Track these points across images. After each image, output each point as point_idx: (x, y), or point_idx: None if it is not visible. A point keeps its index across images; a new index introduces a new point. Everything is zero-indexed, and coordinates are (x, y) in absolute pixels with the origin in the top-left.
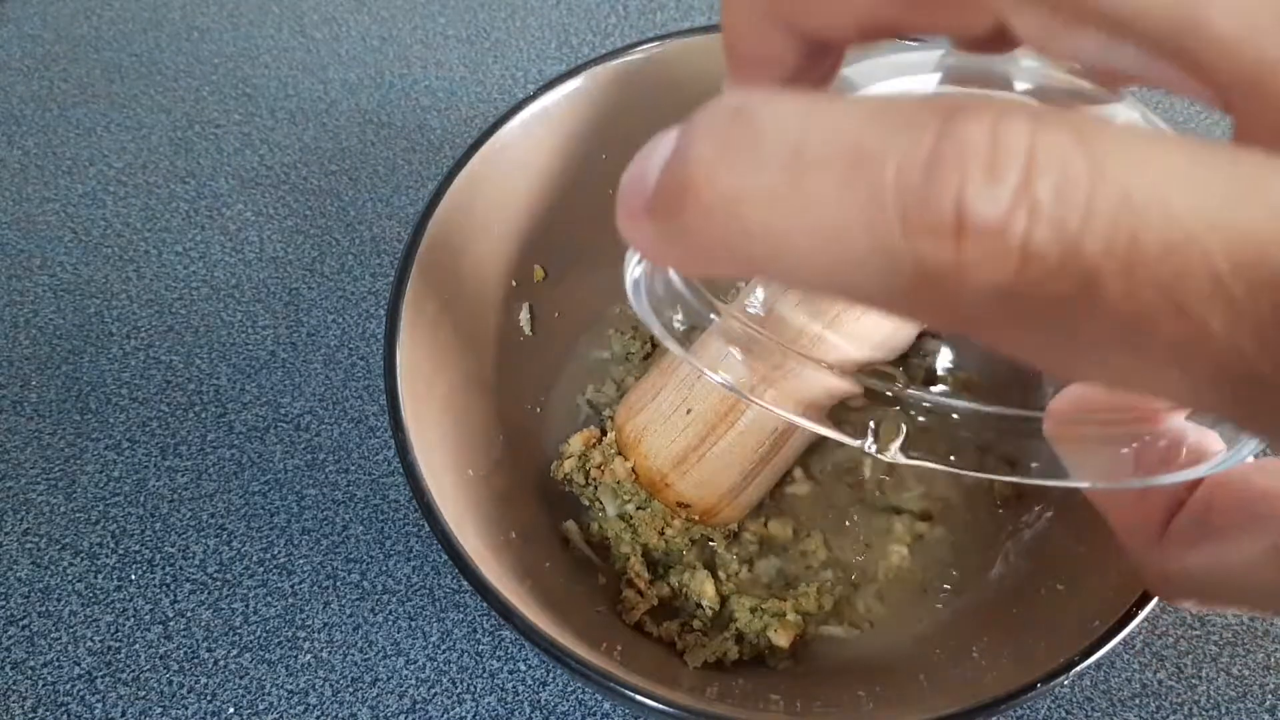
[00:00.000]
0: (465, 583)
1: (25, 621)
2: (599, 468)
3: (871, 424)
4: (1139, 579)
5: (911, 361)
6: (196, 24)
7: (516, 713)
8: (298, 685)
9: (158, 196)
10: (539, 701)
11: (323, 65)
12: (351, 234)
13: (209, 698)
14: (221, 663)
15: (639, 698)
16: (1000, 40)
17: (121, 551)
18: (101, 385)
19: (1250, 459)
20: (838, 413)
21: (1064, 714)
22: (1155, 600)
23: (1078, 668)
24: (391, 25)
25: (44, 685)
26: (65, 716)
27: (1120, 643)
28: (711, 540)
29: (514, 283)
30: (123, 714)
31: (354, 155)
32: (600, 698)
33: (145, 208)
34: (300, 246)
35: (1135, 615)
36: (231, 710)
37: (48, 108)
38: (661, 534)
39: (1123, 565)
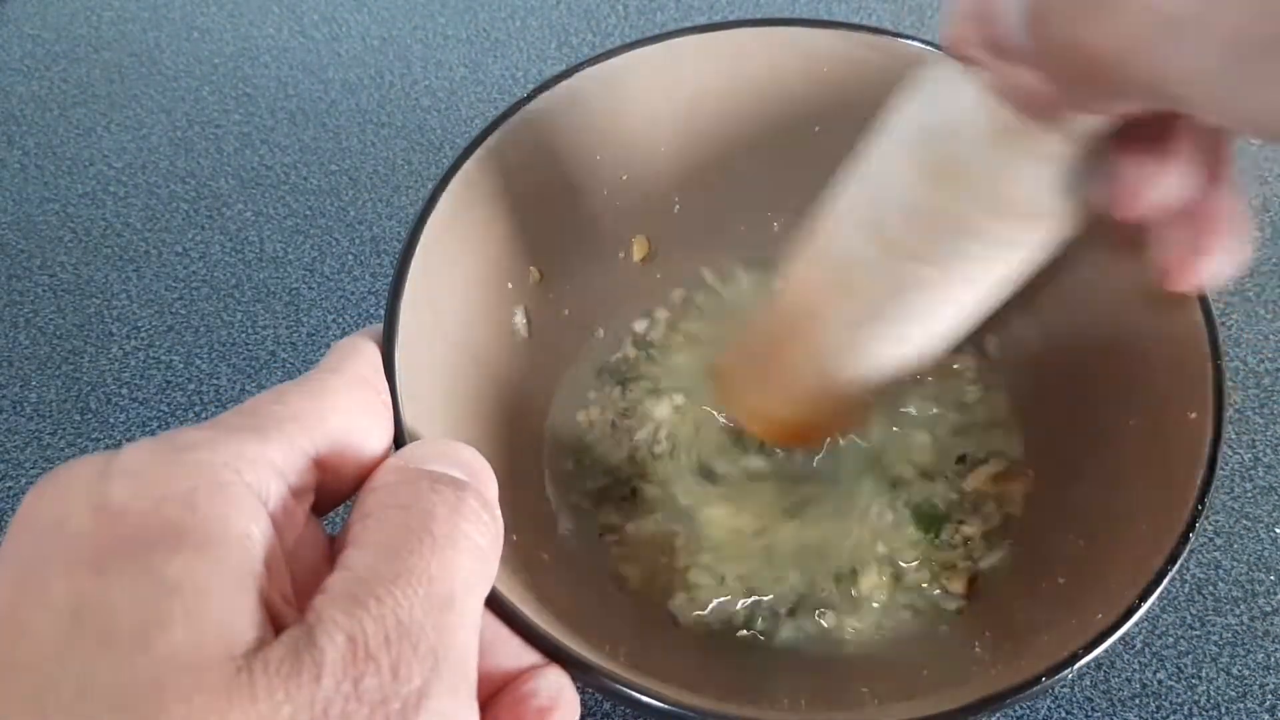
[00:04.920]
0: None
1: None
2: None
3: None
4: (1143, 568)
5: None
6: (196, 24)
7: None
8: None
9: (158, 196)
10: None
11: (323, 65)
12: (351, 234)
13: None
14: None
15: (643, 698)
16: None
17: None
18: (101, 385)
19: None
20: None
21: (1064, 714)
22: (1158, 593)
23: (1083, 660)
24: (391, 25)
25: None
26: None
27: (1124, 636)
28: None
29: (509, 284)
30: None
31: (354, 155)
32: (600, 697)
33: (145, 208)
34: (300, 246)
35: (1139, 607)
36: None
37: (48, 108)
38: None
39: (1124, 558)
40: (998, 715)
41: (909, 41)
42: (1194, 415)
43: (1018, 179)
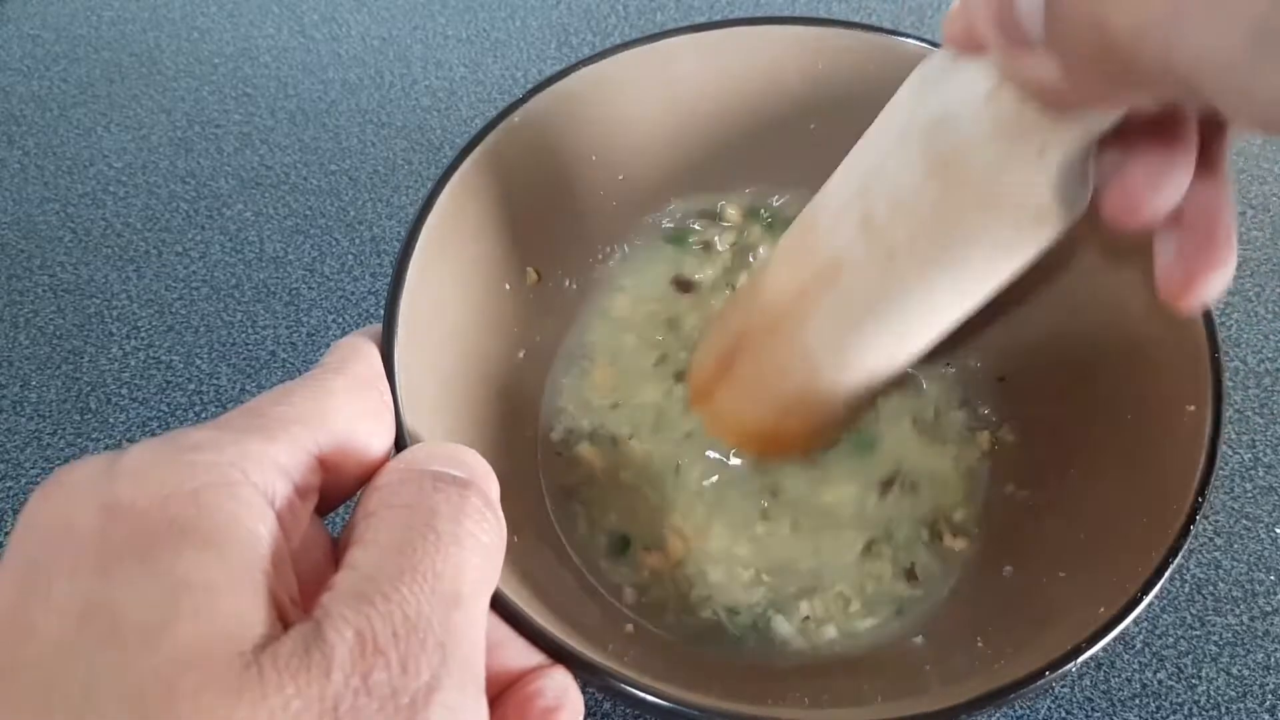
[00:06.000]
0: None
1: None
2: None
3: None
4: (1144, 562)
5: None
6: (196, 24)
7: None
8: None
9: (158, 196)
10: None
11: (323, 65)
12: (351, 234)
13: None
14: None
15: (646, 696)
16: None
17: None
18: (101, 385)
19: None
20: None
21: (1064, 714)
22: (1159, 586)
23: (1086, 654)
24: (391, 25)
25: None
26: None
27: (1125, 632)
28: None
29: (507, 285)
30: None
31: (354, 155)
32: (601, 696)
33: (145, 208)
34: (300, 246)
35: (1141, 600)
36: None
37: (48, 108)
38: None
39: (1125, 552)
40: (997, 715)
41: (905, 39)
42: (1193, 409)
43: (1019, 177)
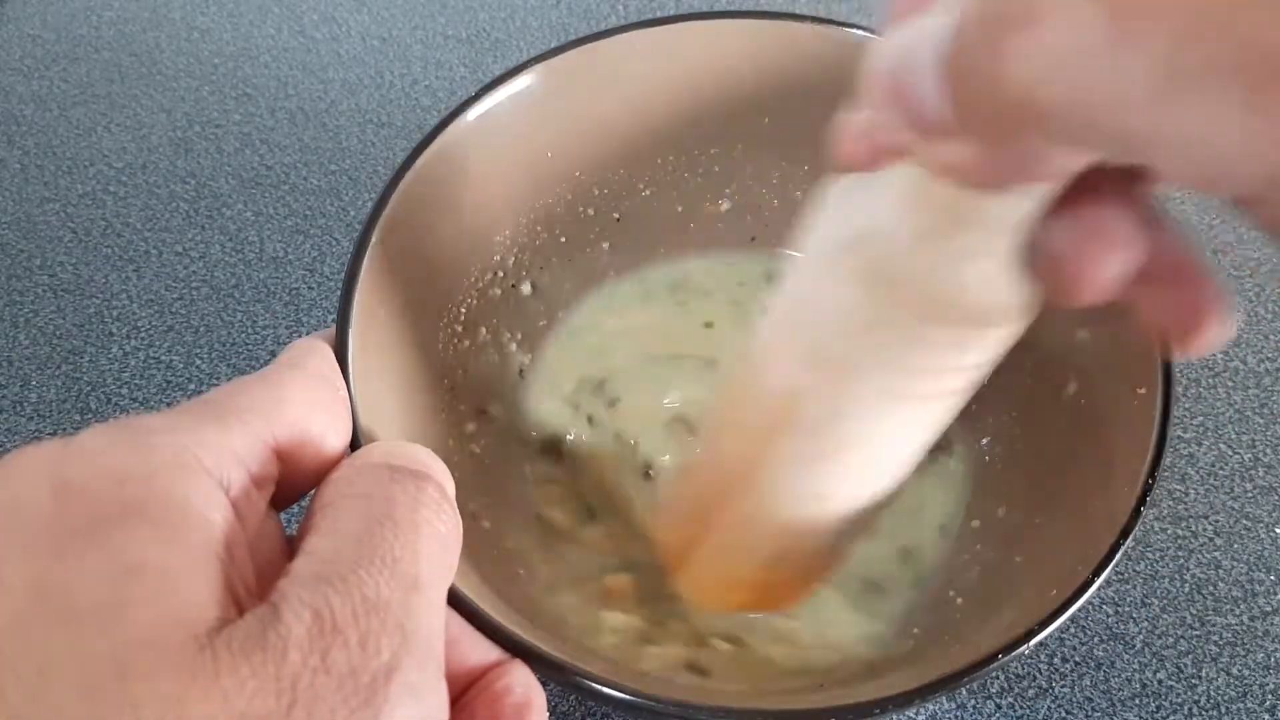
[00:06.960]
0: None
1: None
2: None
3: None
4: (1096, 545)
5: None
6: (196, 24)
7: None
8: None
9: (158, 196)
10: None
11: (323, 65)
12: (351, 234)
13: None
14: None
15: (612, 692)
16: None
17: None
18: (101, 385)
19: None
20: None
21: (1064, 713)
22: (1110, 569)
23: (1037, 637)
24: (391, 25)
25: None
26: None
27: (1079, 611)
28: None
29: (464, 284)
30: None
31: (354, 155)
32: (561, 692)
33: (145, 208)
34: (300, 246)
35: (1092, 583)
36: None
37: (48, 108)
38: None
39: (1078, 535)
40: (995, 716)
41: (854, 31)
42: (1143, 391)
43: (957, 278)
